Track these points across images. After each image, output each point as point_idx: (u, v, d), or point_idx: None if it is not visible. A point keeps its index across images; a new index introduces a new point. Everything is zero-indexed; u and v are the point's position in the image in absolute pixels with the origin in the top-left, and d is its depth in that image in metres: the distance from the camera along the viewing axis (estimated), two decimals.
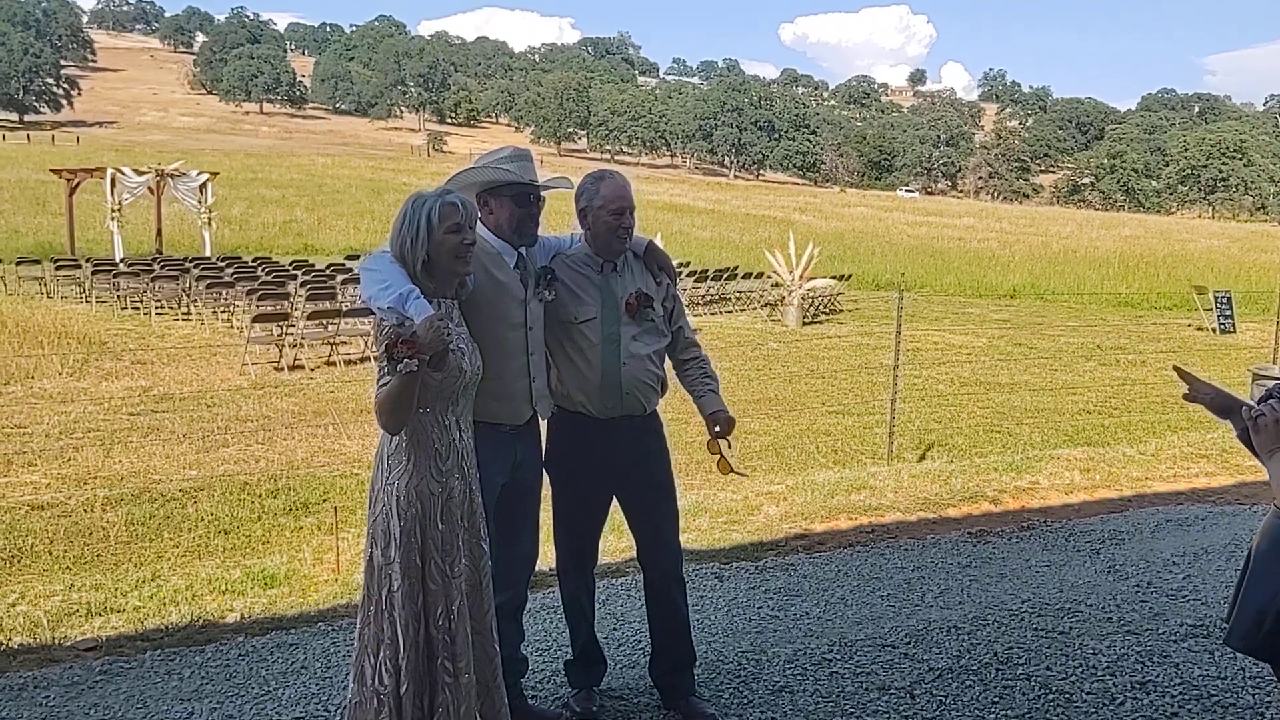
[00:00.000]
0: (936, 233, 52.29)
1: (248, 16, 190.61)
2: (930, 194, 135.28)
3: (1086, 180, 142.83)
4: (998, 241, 47.72)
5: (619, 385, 3.83)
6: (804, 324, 21.16)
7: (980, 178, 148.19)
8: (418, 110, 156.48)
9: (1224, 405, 3.12)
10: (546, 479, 3.95)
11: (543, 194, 3.77)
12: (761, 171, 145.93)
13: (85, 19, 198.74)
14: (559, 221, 4.34)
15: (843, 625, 4.97)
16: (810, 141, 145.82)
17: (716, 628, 4.90)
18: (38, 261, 22.79)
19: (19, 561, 6.63)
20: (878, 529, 6.71)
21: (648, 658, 4.19)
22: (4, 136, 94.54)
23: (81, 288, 21.01)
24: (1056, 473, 8.24)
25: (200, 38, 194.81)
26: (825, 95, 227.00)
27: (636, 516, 4.04)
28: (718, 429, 3.94)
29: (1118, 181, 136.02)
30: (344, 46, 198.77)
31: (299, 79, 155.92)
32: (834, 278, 24.38)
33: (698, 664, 4.17)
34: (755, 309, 23.17)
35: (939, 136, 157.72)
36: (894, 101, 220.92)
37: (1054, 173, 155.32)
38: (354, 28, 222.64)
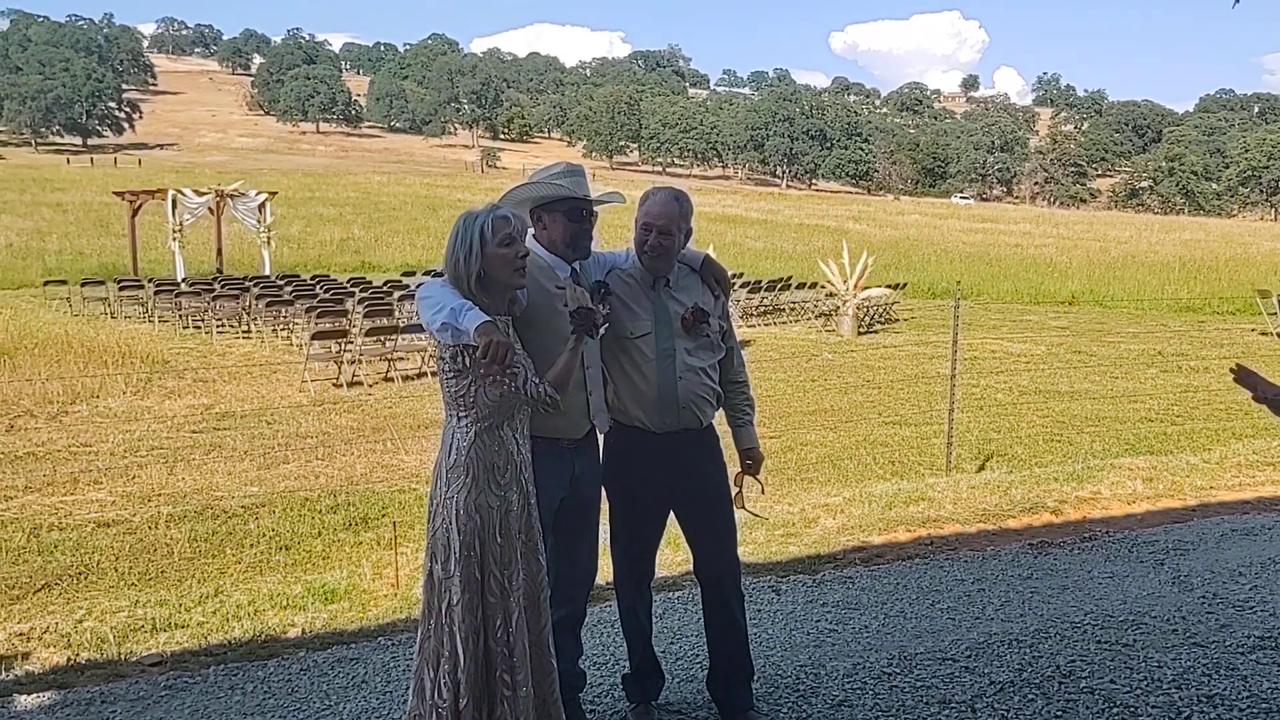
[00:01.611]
0: (992, 240, 51.76)
1: (304, 38, 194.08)
2: (985, 200, 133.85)
3: (1145, 184, 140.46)
4: (1055, 247, 47.11)
5: (675, 399, 3.83)
6: (859, 334, 21.02)
7: (1036, 183, 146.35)
8: (471, 127, 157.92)
9: None
10: (604, 493, 3.96)
11: (595, 208, 3.78)
12: (814, 181, 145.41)
13: (146, 43, 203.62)
14: (613, 236, 4.36)
15: (902, 639, 4.92)
16: (863, 150, 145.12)
17: (774, 641, 4.88)
18: (102, 282, 23.33)
19: (86, 578, 6.77)
20: (937, 541, 6.63)
21: (705, 672, 4.17)
22: (68, 160, 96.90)
23: (145, 307, 21.46)
24: (1118, 482, 8.10)
25: (257, 59, 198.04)
26: (877, 103, 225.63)
27: (694, 530, 4.03)
28: (749, 464, 4.09)
29: (1177, 184, 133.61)
30: (398, 65, 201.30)
31: (354, 98, 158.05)
32: (889, 286, 24.24)
33: (756, 678, 4.15)
34: (810, 319, 23.08)
35: (993, 142, 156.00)
36: (947, 108, 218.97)
37: (1111, 177, 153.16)
38: (408, 46, 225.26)
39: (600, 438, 3.91)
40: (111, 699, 4.34)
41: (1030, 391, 14.49)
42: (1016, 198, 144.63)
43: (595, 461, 3.87)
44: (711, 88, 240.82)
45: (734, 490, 4.08)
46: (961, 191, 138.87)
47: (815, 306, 23.53)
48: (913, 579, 5.78)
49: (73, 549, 7.28)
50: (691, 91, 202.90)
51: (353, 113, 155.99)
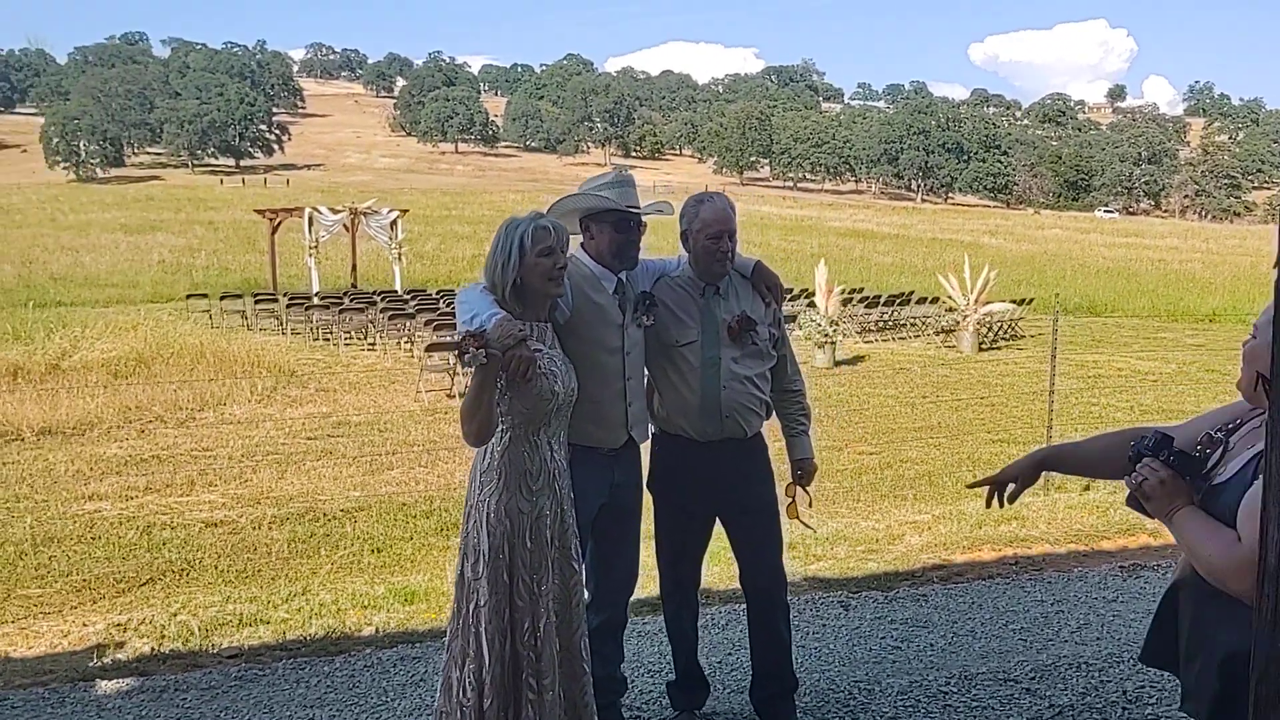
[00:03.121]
0: (1135, 254, 49.87)
1: (444, 60, 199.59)
2: (1131, 214, 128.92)
3: None
4: (1201, 262, 45.16)
5: (719, 408, 3.83)
6: (980, 350, 20.51)
7: (1186, 196, 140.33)
8: (604, 145, 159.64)
9: (1031, 468, 2.96)
10: (648, 501, 3.98)
11: (643, 219, 3.82)
12: (950, 194, 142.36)
13: (295, 68, 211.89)
14: (669, 248, 4.38)
15: (966, 658, 4.81)
16: (1002, 163, 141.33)
17: (834, 656, 4.82)
18: (240, 296, 24.43)
19: (187, 574, 7.11)
20: (1022, 560, 6.44)
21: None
22: (221, 180, 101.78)
23: (279, 320, 22.37)
24: None
25: (400, 82, 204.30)
26: (1018, 115, 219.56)
27: (738, 540, 4.03)
28: (800, 475, 4.06)
29: None
30: (534, 86, 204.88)
31: (491, 119, 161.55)
32: (1013, 302, 23.55)
33: (803, 690, 4.11)
34: (930, 335, 22.61)
35: (1140, 154, 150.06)
36: (1091, 119, 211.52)
37: (1268, 189, 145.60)
38: (544, 67, 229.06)
39: (642, 447, 3.94)
40: (185, 687, 4.56)
41: (1153, 410, 13.91)
42: (1165, 211, 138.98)
43: (636, 470, 3.89)
44: (846, 101, 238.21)
45: (786, 501, 4.05)
46: (1106, 205, 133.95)
47: (936, 322, 23.04)
48: (989, 598, 5.63)
49: (179, 546, 7.66)
50: (825, 105, 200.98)
51: (490, 133, 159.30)
